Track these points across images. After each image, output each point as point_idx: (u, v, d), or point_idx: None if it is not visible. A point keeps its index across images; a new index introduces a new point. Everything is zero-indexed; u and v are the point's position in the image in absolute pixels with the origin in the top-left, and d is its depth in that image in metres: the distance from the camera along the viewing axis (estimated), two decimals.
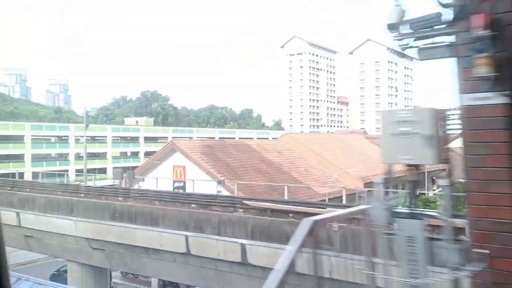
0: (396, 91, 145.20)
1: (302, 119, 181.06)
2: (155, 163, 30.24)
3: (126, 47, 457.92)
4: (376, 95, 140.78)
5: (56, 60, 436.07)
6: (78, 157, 69.93)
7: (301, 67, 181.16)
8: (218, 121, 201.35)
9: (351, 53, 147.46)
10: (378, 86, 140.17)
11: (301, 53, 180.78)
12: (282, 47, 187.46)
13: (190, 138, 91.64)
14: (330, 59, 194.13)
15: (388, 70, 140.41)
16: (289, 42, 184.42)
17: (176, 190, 27.69)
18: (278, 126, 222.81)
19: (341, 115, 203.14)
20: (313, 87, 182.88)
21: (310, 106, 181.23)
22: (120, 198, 17.75)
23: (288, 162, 33.24)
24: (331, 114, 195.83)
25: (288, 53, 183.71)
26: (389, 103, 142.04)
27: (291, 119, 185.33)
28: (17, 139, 65.07)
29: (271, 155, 33.18)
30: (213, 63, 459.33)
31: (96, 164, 74.74)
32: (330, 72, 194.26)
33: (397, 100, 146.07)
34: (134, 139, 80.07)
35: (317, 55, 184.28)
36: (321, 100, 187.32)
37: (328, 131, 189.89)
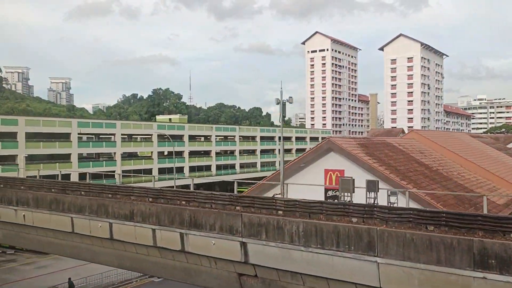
0: (429, 88, 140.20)
1: (324, 117, 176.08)
2: (301, 166, 25.00)
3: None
4: (408, 92, 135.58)
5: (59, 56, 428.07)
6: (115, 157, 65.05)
7: (324, 63, 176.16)
8: (229, 119, 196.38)
9: (381, 48, 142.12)
10: (411, 83, 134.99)
11: (324, 50, 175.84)
12: (303, 43, 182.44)
13: (233, 136, 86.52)
14: (352, 56, 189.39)
15: (422, 66, 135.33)
16: (311, 38, 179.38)
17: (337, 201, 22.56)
18: (287, 125, 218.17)
19: (361, 114, 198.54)
20: (336, 84, 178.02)
21: (332, 104, 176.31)
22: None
23: (437, 165, 28.18)
24: (352, 113, 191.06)
25: (310, 49, 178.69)
26: (422, 101, 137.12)
27: (312, 117, 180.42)
28: (62, 137, 59.77)
29: (418, 157, 28.11)
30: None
31: (142, 164, 69.57)
32: (352, 69, 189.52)
33: (429, 98, 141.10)
34: (177, 138, 74.85)
35: (339, 52, 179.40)
36: (343, 98, 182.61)
37: (364, 131, 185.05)
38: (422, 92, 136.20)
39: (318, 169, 24.54)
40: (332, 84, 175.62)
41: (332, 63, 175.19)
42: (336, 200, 18.56)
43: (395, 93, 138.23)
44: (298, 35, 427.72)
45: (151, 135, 69.93)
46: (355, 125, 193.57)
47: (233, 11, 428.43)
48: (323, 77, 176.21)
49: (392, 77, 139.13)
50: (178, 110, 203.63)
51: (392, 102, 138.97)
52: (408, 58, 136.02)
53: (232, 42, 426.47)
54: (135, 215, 16.32)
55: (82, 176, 58.97)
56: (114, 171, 63.45)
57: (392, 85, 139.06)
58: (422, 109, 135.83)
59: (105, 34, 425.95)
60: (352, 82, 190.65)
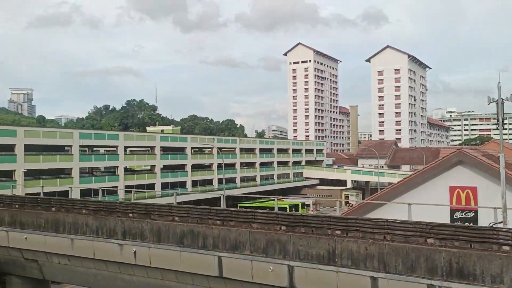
0: (415, 100, 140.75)
1: (307, 128, 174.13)
2: (416, 183, 21.39)
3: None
4: (396, 104, 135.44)
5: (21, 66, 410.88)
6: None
7: (306, 75, 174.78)
8: (203, 131, 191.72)
9: (368, 60, 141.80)
10: (399, 94, 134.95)
11: (306, 61, 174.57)
12: (285, 54, 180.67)
13: (234, 149, 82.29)
14: (333, 68, 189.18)
15: (409, 78, 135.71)
16: (294, 49, 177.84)
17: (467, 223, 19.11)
18: (260, 136, 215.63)
19: (342, 126, 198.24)
20: (318, 96, 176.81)
21: (315, 116, 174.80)
22: None
23: None
24: (334, 125, 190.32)
25: (292, 60, 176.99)
26: (410, 112, 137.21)
27: (295, 129, 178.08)
28: (61, 149, 53.88)
29: None
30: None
31: (145, 179, 64.14)
32: (333, 81, 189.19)
33: (415, 109, 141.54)
34: (179, 150, 70.11)
35: (321, 63, 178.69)
36: (325, 110, 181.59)
37: (344, 143, 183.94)
38: (409, 104, 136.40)
39: (440, 185, 20.99)
40: (315, 95, 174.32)
41: (315, 75, 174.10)
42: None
43: (382, 105, 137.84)
44: (263, 48, 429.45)
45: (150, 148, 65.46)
46: (337, 137, 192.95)
47: (199, 24, 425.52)
48: (305, 88, 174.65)
49: (379, 88, 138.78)
50: (153, 122, 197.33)
51: (379, 113, 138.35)
52: (396, 70, 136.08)
53: (198, 54, 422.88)
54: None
55: (84, 192, 53.33)
56: (116, 187, 58.02)
57: (379, 97, 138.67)
58: (409, 121, 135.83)
59: (66, 45, 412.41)
60: (333, 94, 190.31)
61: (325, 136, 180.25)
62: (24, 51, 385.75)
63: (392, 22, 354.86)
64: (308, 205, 79.72)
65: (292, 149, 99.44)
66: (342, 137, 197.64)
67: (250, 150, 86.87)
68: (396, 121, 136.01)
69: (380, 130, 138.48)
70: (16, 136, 48.34)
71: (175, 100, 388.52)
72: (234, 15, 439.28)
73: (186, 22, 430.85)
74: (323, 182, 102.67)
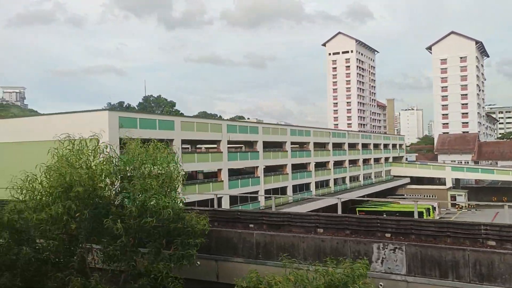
0: (479, 90, 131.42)
1: (350, 123, 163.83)
2: None
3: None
4: (462, 94, 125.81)
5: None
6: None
7: (348, 66, 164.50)
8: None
9: (429, 48, 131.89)
10: (465, 84, 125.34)
11: (348, 51, 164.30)
12: (324, 45, 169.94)
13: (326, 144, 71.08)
14: (371, 59, 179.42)
15: (476, 66, 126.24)
16: (333, 39, 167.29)
17: None
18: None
19: (379, 120, 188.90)
20: (360, 89, 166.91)
21: (358, 110, 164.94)
22: None
23: None
24: (372, 119, 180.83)
25: (331, 51, 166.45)
26: (478, 104, 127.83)
27: (336, 124, 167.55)
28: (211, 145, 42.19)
29: None
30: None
31: (280, 181, 52.63)
32: (371, 73, 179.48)
33: (479, 100, 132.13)
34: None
35: (361, 54, 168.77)
36: (365, 104, 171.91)
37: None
38: (477, 94, 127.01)
39: None
40: (358, 88, 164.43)
41: (357, 66, 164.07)
42: None
43: (446, 96, 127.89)
44: (248, 45, 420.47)
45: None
46: (375, 131, 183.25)
47: (183, 22, 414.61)
48: (347, 80, 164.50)
49: (442, 78, 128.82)
50: None
51: (443, 105, 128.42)
52: (461, 58, 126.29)
53: (182, 52, 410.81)
54: None
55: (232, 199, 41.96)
56: (257, 191, 46.69)
57: (442, 87, 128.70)
58: (478, 112, 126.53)
59: (48, 43, 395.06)
60: (371, 86, 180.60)
61: (367, 131, 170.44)
62: (2, 50, 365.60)
63: (377, 18, 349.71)
64: (434, 209, 69.07)
65: (373, 144, 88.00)
66: (380, 132, 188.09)
67: (338, 146, 75.64)
68: (463, 113, 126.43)
69: (444, 123, 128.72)
70: (174, 129, 36.55)
71: (158, 98, 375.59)
72: (219, 13, 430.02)
73: (170, 20, 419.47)
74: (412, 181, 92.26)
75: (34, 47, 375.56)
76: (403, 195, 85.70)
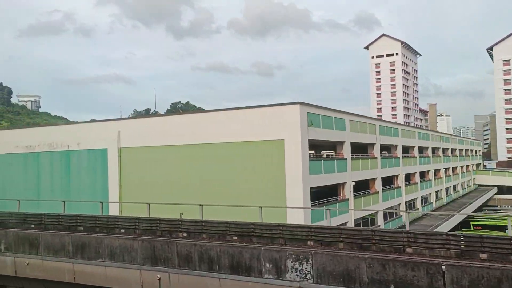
0: None
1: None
2: None
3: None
4: None
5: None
6: None
7: (393, 69, 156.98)
8: None
9: (490, 48, 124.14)
10: None
11: (393, 54, 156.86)
12: (366, 48, 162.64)
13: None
14: (414, 62, 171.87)
15: None
16: (377, 41, 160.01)
17: None
18: None
19: (421, 126, 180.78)
20: (405, 93, 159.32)
21: (404, 115, 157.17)
22: None
23: None
24: (416, 124, 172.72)
25: (375, 54, 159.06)
26: None
27: None
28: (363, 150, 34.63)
29: None
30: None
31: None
32: (414, 76, 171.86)
33: None
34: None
35: (406, 57, 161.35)
36: (410, 109, 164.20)
37: None
38: None
39: None
40: (403, 92, 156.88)
41: (402, 69, 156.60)
42: None
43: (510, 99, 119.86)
44: (255, 53, 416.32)
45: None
46: None
47: (191, 31, 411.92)
48: (392, 84, 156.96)
49: (505, 80, 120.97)
50: None
51: (507, 119, 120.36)
52: None
53: (190, 61, 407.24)
54: None
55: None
56: (399, 205, 38.85)
57: (505, 90, 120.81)
58: None
59: (58, 53, 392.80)
60: (415, 90, 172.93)
61: None
62: (13, 60, 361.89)
63: (384, 26, 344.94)
64: None
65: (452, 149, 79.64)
66: None
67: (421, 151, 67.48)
68: None
69: (508, 138, 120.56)
70: (344, 129, 29.22)
71: (166, 106, 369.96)
72: (227, 22, 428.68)
73: (178, 29, 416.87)
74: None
75: (44, 57, 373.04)
76: (496, 206, 77.56)
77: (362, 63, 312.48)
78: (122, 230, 22.76)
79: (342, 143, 31.41)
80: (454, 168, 69.64)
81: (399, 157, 44.02)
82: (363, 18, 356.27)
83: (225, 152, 28.80)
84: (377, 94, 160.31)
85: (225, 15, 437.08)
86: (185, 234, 20.38)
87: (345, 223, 30.65)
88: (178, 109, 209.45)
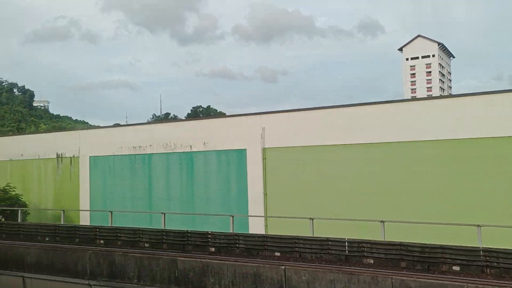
0: None
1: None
2: None
3: None
4: None
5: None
6: None
7: (429, 72, 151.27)
8: None
9: None
10: None
11: (429, 56, 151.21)
12: (400, 49, 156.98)
13: None
14: (448, 65, 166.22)
15: None
16: (412, 42, 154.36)
17: None
18: None
19: None
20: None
21: None
22: None
23: None
24: None
25: (410, 55, 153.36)
26: None
27: None
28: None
29: None
30: None
31: None
32: (448, 79, 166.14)
33: None
34: None
35: (441, 58, 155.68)
36: None
37: None
38: None
39: None
40: (440, 95, 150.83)
41: (439, 71, 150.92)
42: None
43: None
44: (260, 59, 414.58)
45: None
46: None
47: (196, 36, 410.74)
48: (428, 87, 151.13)
49: None
50: None
51: None
52: None
53: (194, 67, 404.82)
54: None
55: None
56: None
57: None
58: None
59: (63, 59, 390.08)
60: (449, 94, 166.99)
61: None
62: (19, 66, 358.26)
63: (389, 32, 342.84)
64: None
65: None
66: None
67: None
68: None
69: None
70: None
71: (169, 112, 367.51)
72: (231, 28, 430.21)
73: (183, 35, 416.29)
74: None
75: (49, 62, 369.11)
76: None
77: (366, 69, 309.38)
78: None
79: None
80: None
81: None
82: (367, 24, 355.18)
83: (430, 152, 22.70)
84: (411, 97, 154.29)
85: (230, 21, 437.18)
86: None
87: None
88: (199, 113, 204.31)
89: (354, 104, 26.25)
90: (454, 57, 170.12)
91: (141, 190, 31.73)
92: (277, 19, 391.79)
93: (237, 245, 19.60)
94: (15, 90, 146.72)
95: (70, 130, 36.11)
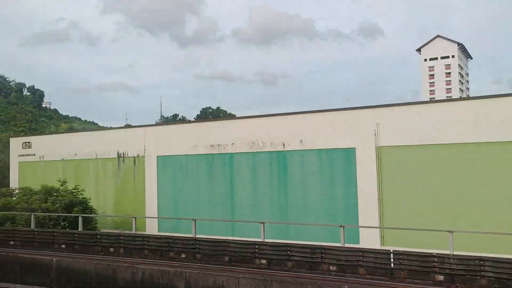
0: None
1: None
2: None
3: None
4: None
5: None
6: None
7: (448, 73, 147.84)
8: None
9: None
10: None
11: (448, 56, 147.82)
12: (418, 50, 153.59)
13: None
14: (466, 66, 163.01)
15: None
16: (431, 43, 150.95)
17: None
18: None
19: None
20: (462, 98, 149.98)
21: None
22: None
23: None
24: None
25: (428, 56, 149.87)
26: None
27: None
28: None
29: None
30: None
31: None
32: (466, 80, 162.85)
33: None
34: None
35: (460, 59, 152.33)
36: None
37: None
38: None
39: None
40: (460, 97, 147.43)
41: (458, 73, 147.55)
42: None
43: None
44: (259, 62, 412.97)
45: None
46: None
47: (195, 39, 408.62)
48: (447, 88, 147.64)
49: None
50: None
51: None
52: None
53: (193, 69, 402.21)
54: None
55: None
56: None
57: None
58: None
59: (63, 61, 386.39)
60: (467, 95, 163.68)
61: None
62: (18, 68, 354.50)
63: (388, 36, 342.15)
64: None
65: None
66: None
67: None
68: None
69: None
70: None
71: (168, 115, 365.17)
72: (230, 30, 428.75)
73: (183, 38, 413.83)
74: None
75: (49, 65, 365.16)
76: None
77: (366, 73, 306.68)
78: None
79: None
80: None
81: None
82: (366, 27, 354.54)
83: None
84: (430, 98, 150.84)
85: (229, 24, 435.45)
86: None
87: None
88: (208, 114, 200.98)
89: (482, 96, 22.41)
90: (471, 58, 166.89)
91: (220, 195, 27.63)
92: (277, 22, 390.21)
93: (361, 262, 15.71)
94: (24, 90, 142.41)
95: (135, 127, 31.88)
